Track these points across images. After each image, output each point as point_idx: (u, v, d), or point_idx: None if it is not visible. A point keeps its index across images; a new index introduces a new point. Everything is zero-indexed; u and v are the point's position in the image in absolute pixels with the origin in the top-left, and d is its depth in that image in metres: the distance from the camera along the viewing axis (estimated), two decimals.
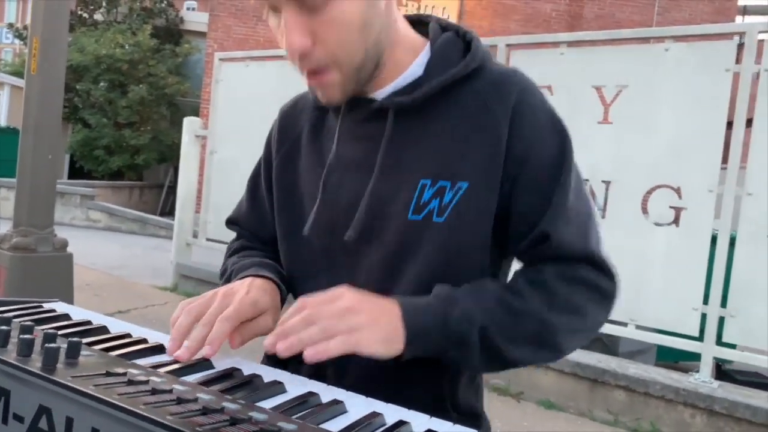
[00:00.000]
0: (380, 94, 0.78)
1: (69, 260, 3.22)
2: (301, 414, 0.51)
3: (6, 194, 8.74)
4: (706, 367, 2.93)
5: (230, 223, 1.00)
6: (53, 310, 0.74)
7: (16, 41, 21.16)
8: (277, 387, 0.57)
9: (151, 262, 6.30)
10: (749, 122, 2.82)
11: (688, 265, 2.96)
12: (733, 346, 2.97)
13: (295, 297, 0.86)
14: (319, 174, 0.82)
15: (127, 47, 12.28)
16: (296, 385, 0.59)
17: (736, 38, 2.88)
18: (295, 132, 0.88)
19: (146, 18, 13.59)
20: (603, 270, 0.78)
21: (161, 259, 6.27)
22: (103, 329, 0.69)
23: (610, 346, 3.71)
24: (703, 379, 2.92)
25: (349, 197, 0.79)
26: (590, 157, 3.22)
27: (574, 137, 2.88)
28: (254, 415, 0.45)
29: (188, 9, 23.60)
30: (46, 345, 0.50)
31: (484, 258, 0.77)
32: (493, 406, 3.14)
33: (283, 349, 0.62)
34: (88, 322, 0.70)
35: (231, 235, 1.01)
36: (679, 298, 2.98)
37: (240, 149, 4.59)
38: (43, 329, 0.58)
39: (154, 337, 0.68)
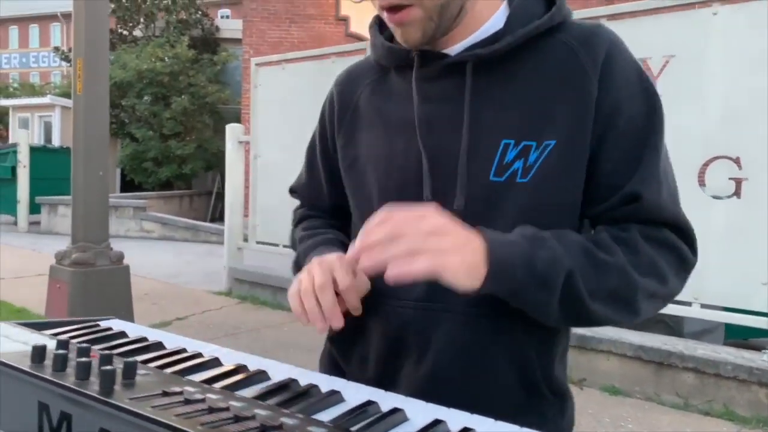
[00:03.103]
0: (454, 49, 0.75)
1: (126, 272, 3.31)
2: (361, 425, 0.49)
3: (64, 211, 9.09)
4: None
5: (292, 191, 1.01)
6: (110, 329, 0.74)
7: (63, 63, 22.03)
8: (335, 397, 0.56)
9: (204, 268, 6.45)
10: None
11: (753, 237, 2.81)
12: None
13: None
14: (386, 137, 0.79)
15: (166, 60, 12.57)
16: (355, 393, 0.57)
17: None
18: (353, 100, 0.85)
19: (183, 30, 13.88)
20: (688, 239, 0.74)
21: (214, 265, 6.40)
22: (159, 345, 0.68)
23: (674, 327, 3.57)
24: None
25: (426, 158, 0.75)
26: None
27: None
28: (313, 429, 0.43)
29: (222, 17, 24.03)
30: (103, 368, 0.50)
31: (572, 220, 0.73)
32: None
33: (368, 265, 0.60)
34: (144, 339, 0.70)
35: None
36: (746, 273, 2.84)
37: (282, 151, 4.63)
38: (99, 349, 0.58)
39: (209, 351, 0.68)
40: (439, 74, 0.75)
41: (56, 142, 13.38)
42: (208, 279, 5.76)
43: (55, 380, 0.50)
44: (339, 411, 0.53)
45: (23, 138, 9.46)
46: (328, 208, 0.93)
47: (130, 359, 0.53)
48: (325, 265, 0.71)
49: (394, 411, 0.52)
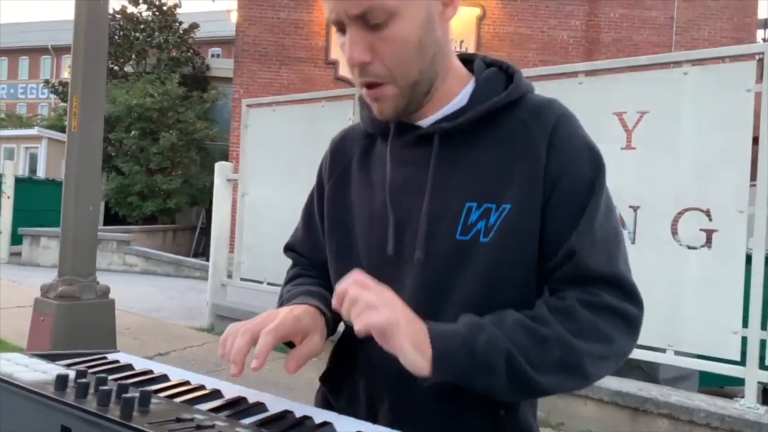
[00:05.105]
0: (426, 122, 0.85)
1: (111, 306, 3.33)
2: None
3: (46, 243, 9.03)
4: (751, 392, 2.86)
5: (287, 249, 1.06)
6: (117, 361, 0.80)
7: (52, 96, 22.11)
8: (327, 428, 0.62)
9: (186, 304, 6.42)
10: None
11: (724, 287, 2.92)
12: None
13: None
14: (369, 195, 0.88)
15: (156, 96, 12.70)
16: (346, 425, 0.64)
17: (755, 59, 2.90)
18: (345, 159, 0.95)
19: (174, 67, 14.07)
20: (629, 294, 0.79)
21: (197, 300, 6.38)
22: (164, 377, 0.74)
23: (650, 373, 3.64)
24: (748, 405, 2.85)
25: (398, 218, 0.84)
26: (616, 183, 3.21)
27: None
28: None
29: (213, 56, 24.36)
30: (123, 395, 0.56)
31: (528, 278, 0.80)
32: None
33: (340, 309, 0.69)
34: (150, 371, 0.76)
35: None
36: (718, 321, 2.93)
37: (270, 190, 4.71)
38: (114, 379, 0.64)
39: (210, 384, 0.74)
40: (412, 143, 0.85)
41: (41, 173, 13.34)
42: (191, 314, 5.74)
43: (79, 405, 0.56)
44: None
45: (9, 169, 9.44)
46: (323, 265, 0.98)
47: (145, 389, 0.60)
48: (271, 315, 0.78)
49: None
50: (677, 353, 3.06)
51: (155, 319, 5.53)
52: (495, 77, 0.86)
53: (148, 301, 6.42)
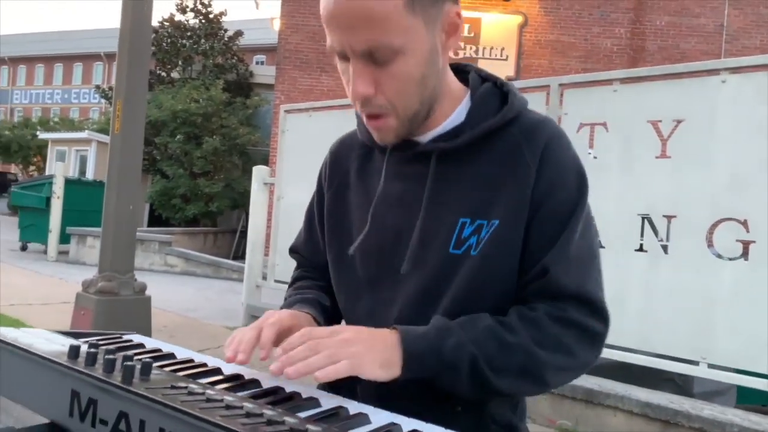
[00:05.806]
0: (424, 138, 0.88)
1: (147, 302, 3.45)
2: (329, 422, 0.59)
3: (92, 242, 9.37)
4: None
5: (291, 251, 1.12)
6: (130, 340, 0.86)
7: (102, 101, 22.95)
8: (312, 402, 0.66)
9: (223, 304, 6.57)
10: None
11: (760, 299, 2.84)
12: None
13: (343, 316, 0.96)
14: (366, 207, 0.92)
15: (201, 101, 13.05)
16: (330, 401, 0.68)
17: None
18: (344, 168, 0.99)
19: (218, 74, 14.44)
20: (595, 311, 0.82)
21: (233, 301, 6.53)
22: (171, 355, 0.80)
23: (683, 386, 3.55)
24: None
25: (393, 230, 0.88)
26: (650, 192, 3.18)
27: (632, 173, 2.87)
28: (288, 419, 0.54)
29: (257, 63, 24.83)
30: (125, 363, 0.61)
31: (508, 291, 0.84)
32: None
33: (292, 372, 0.69)
34: (159, 350, 0.82)
35: None
36: (753, 334, 2.85)
37: (305, 194, 4.76)
38: (123, 353, 0.70)
39: (213, 362, 0.79)
40: (409, 159, 0.88)
41: (90, 175, 13.85)
42: (227, 315, 5.88)
43: (86, 371, 0.62)
44: (312, 412, 0.63)
45: (59, 170, 9.84)
46: (323, 266, 1.02)
47: (147, 360, 0.65)
48: (271, 313, 0.85)
49: (359, 414, 0.63)
50: (710, 366, 2.98)
51: (192, 319, 5.69)
52: (490, 95, 0.88)
53: (186, 301, 6.60)
